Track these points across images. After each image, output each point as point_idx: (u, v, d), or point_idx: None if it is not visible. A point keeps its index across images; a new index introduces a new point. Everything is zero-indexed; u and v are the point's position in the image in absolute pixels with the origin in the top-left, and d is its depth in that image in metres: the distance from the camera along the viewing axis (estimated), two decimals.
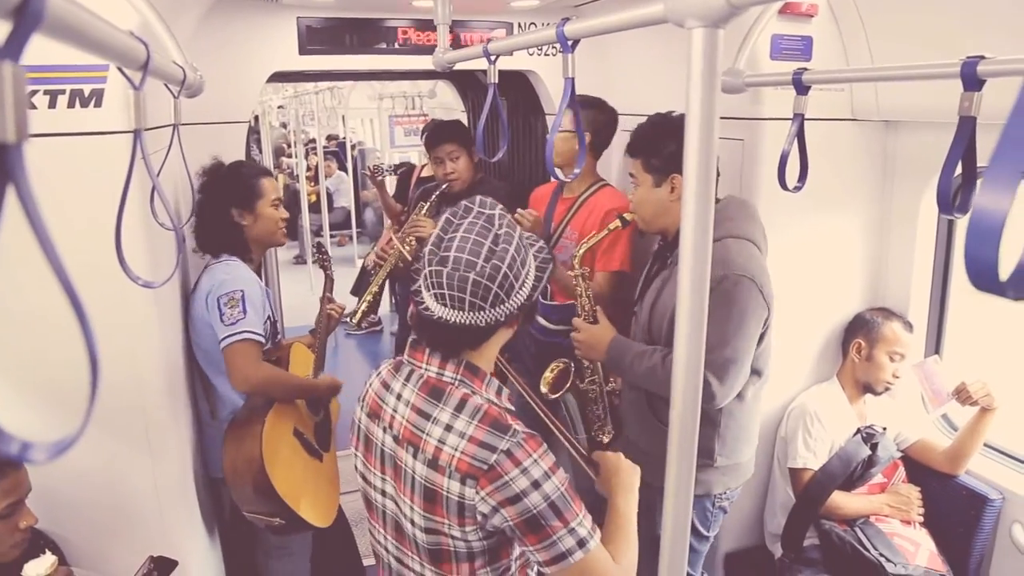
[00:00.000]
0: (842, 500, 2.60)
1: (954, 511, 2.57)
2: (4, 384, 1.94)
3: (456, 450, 1.36)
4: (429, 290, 1.41)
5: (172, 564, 1.93)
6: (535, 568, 1.55)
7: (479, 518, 1.36)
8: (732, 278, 2.08)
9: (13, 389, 1.94)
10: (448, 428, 1.38)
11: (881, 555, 2.47)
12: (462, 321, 1.39)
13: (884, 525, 2.58)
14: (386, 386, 1.53)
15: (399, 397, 1.48)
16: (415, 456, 1.41)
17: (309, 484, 2.50)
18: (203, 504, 2.51)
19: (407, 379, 1.49)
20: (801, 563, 2.64)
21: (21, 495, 1.80)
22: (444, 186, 3.48)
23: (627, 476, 1.63)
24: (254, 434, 2.33)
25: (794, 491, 2.70)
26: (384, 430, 1.50)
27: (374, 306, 3.49)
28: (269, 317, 2.54)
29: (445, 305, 1.39)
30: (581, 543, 1.35)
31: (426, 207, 3.45)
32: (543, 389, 2.50)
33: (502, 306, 1.39)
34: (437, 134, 3.56)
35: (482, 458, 1.33)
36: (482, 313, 1.38)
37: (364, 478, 1.58)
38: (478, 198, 1.48)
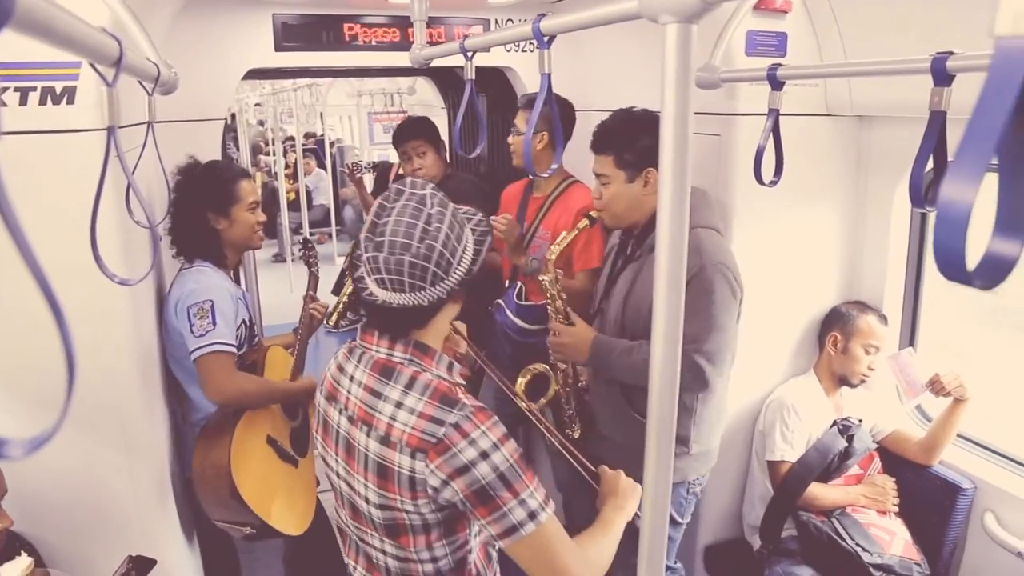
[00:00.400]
0: (819, 492, 2.63)
1: (928, 500, 2.61)
2: None
3: (407, 425, 1.38)
4: (370, 276, 1.43)
5: (151, 563, 1.92)
6: (496, 546, 1.55)
7: (430, 491, 1.38)
8: (709, 267, 2.15)
9: None
10: (399, 405, 1.41)
11: (858, 545, 2.50)
12: (404, 303, 1.41)
13: (860, 516, 2.61)
14: (341, 369, 1.56)
15: (352, 379, 1.52)
16: (368, 434, 1.44)
17: (281, 492, 2.48)
18: (180, 504, 2.49)
19: (359, 361, 1.52)
20: (779, 554, 2.67)
21: None
22: None
23: (624, 496, 1.66)
24: (223, 443, 2.30)
25: (772, 483, 2.73)
26: (340, 412, 1.53)
27: (350, 307, 3.47)
28: (244, 321, 2.51)
29: (386, 289, 1.41)
30: (532, 515, 1.36)
31: None
32: (519, 398, 2.45)
33: (441, 284, 1.42)
34: (403, 131, 3.57)
35: (431, 432, 1.36)
36: (422, 293, 1.41)
37: (324, 460, 1.63)
38: (408, 180, 1.49)
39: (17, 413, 1.92)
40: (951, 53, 1.36)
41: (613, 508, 1.62)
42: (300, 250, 3.19)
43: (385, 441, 1.41)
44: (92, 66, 1.02)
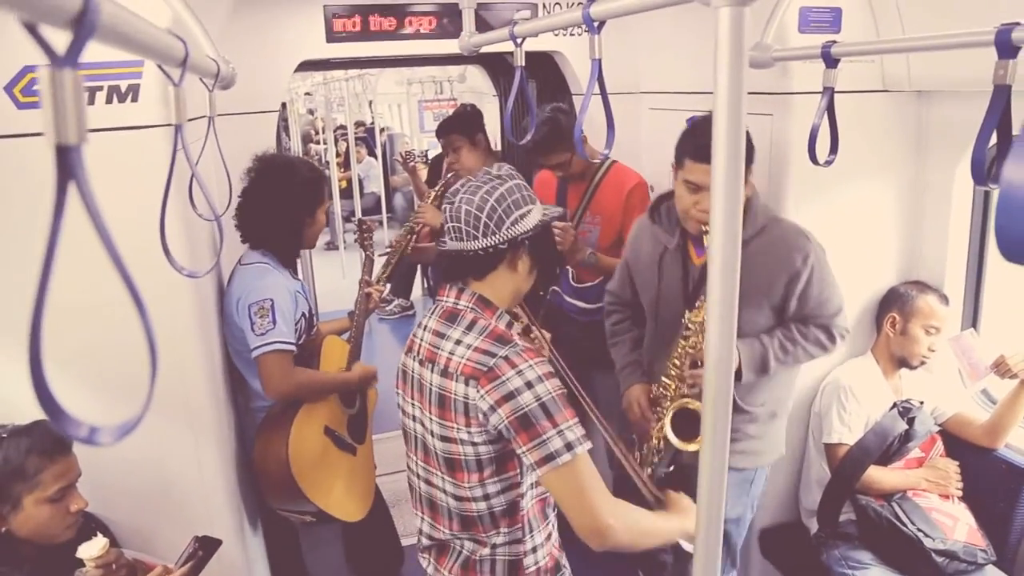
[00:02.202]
0: (879, 475, 2.59)
1: (994, 485, 2.55)
2: (62, 373, 2.00)
3: (463, 358, 1.57)
4: (445, 227, 1.67)
5: (216, 543, 1.99)
6: (553, 505, 1.71)
7: (480, 417, 1.54)
8: (816, 246, 2.28)
9: (68, 378, 2.00)
10: (458, 342, 1.61)
11: (919, 530, 2.46)
12: (460, 248, 1.64)
13: (922, 500, 2.56)
14: (420, 324, 1.77)
15: (425, 328, 1.73)
16: (432, 370, 1.64)
17: (340, 480, 2.55)
18: (244, 488, 2.57)
19: (432, 313, 1.74)
20: (837, 538, 2.64)
21: (72, 479, 1.86)
22: (450, 175, 3.49)
23: (688, 514, 1.69)
24: (281, 437, 2.38)
25: (829, 466, 2.70)
26: (414, 359, 1.72)
27: (409, 285, 3.51)
28: (304, 314, 2.57)
29: (451, 237, 1.66)
30: (568, 446, 1.48)
31: (433, 195, 3.48)
32: (673, 439, 2.31)
33: (492, 236, 1.62)
34: (443, 126, 3.58)
35: (483, 362, 1.54)
36: (476, 241, 1.62)
37: (402, 410, 1.80)
38: (496, 165, 1.73)
39: (88, 400, 2.00)
40: (1017, 24, 1.32)
41: (675, 517, 1.69)
42: (355, 232, 3.22)
43: (444, 373, 1.59)
44: (159, 67, 1.06)
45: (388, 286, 3.45)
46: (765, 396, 2.41)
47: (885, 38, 2.45)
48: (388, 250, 3.43)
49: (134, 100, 1.90)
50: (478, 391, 1.52)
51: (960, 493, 2.60)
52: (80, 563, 1.72)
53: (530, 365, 1.52)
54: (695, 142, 2.21)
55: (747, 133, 2.13)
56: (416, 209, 3.44)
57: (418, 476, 1.78)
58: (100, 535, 1.79)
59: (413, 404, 1.73)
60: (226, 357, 2.53)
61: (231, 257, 2.57)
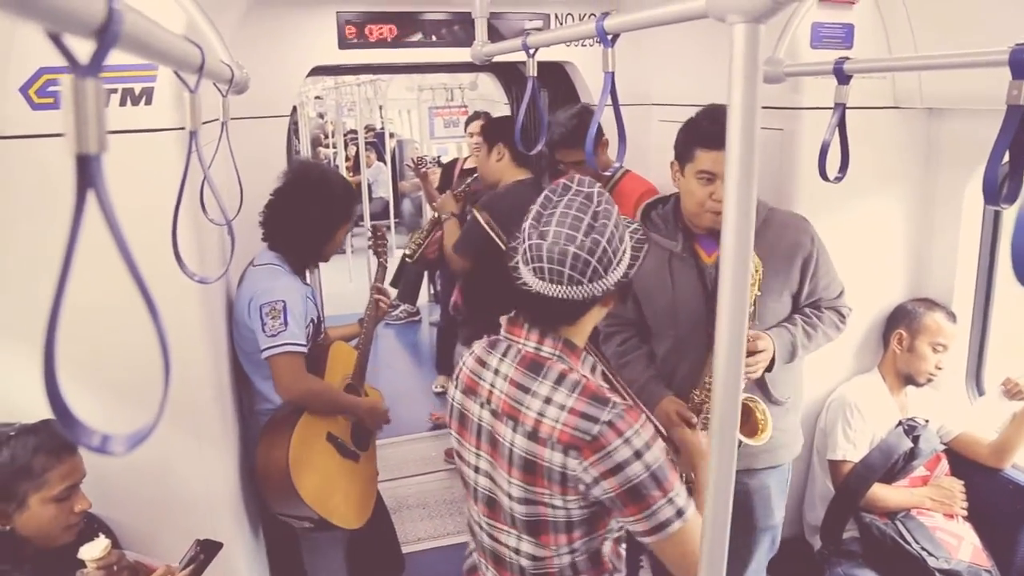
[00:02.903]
0: (883, 493, 2.58)
1: (1000, 505, 2.54)
2: (70, 377, 2.00)
3: (557, 422, 1.38)
4: (528, 264, 1.43)
5: (218, 546, 1.99)
6: (623, 544, 1.60)
7: (582, 488, 1.39)
8: (815, 233, 2.28)
9: (75, 382, 2.01)
10: (548, 401, 1.41)
11: (923, 549, 2.45)
12: (560, 295, 1.41)
13: (926, 519, 2.55)
14: (481, 363, 1.56)
15: (496, 372, 1.51)
16: (514, 429, 1.44)
17: (340, 487, 2.54)
18: (247, 492, 2.57)
19: (504, 354, 1.52)
20: (841, 556, 2.63)
21: (77, 480, 1.87)
22: (476, 176, 3.52)
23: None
24: (283, 442, 2.37)
25: (833, 483, 2.69)
26: (481, 405, 1.53)
27: (427, 248, 3.54)
28: (312, 320, 2.57)
29: (543, 279, 1.41)
30: (679, 513, 1.37)
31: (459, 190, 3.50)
32: (744, 437, 2.20)
33: (600, 281, 1.41)
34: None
35: (584, 429, 1.36)
36: (580, 288, 1.40)
37: (459, 456, 1.62)
38: (576, 177, 1.49)
39: (93, 403, 2.00)
40: None
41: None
42: (369, 239, 3.23)
43: (533, 437, 1.41)
44: (176, 73, 1.07)
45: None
46: (789, 388, 2.38)
47: (897, 55, 2.45)
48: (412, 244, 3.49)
49: (148, 103, 1.91)
50: (580, 463, 1.36)
51: (965, 512, 2.59)
52: (82, 564, 1.72)
53: (636, 431, 1.37)
54: (706, 129, 2.13)
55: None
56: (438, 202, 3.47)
57: (480, 527, 1.62)
58: (102, 536, 1.79)
59: (479, 455, 1.54)
60: (232, 360, 2.53)
61: (239, 262, 2.58)
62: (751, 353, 2.12)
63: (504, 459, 1.46)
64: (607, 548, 1.57)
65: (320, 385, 2.49)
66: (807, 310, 2.32)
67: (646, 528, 1.37)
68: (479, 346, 1.61)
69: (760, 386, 2.27)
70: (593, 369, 1.53)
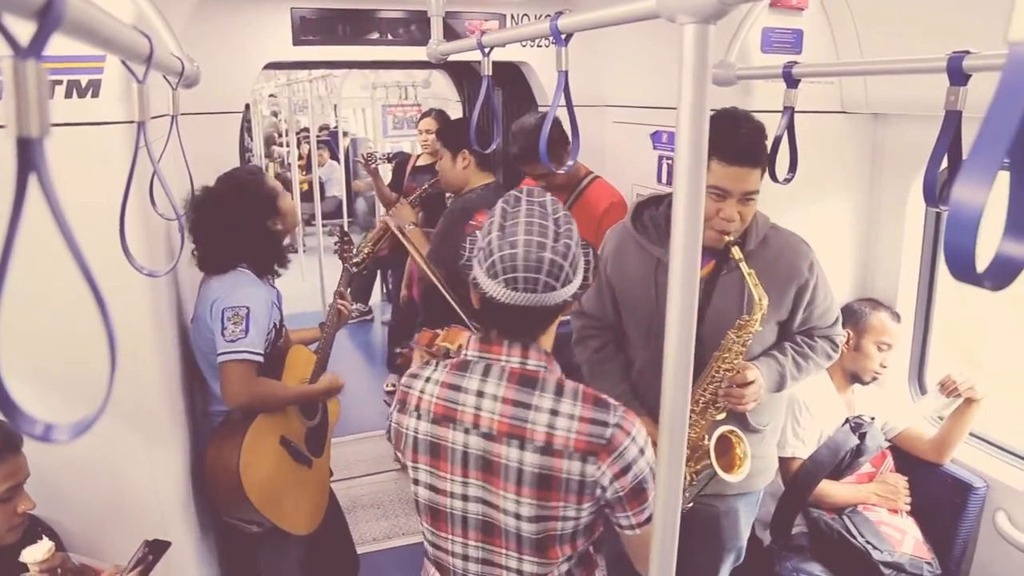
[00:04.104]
0: (830, 489, 2.64)
1: (940, 499, 2.61)
2: (18, 373, 1.95)
3: (570, 432, 1.39)
4: (497, 277, 1.41)
5: (165, 545, 1.95)
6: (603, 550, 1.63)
7: (598, 492, 1.41)
8: (815, 257, 2.17)
9: (21, 376, 1.96)
10: (554, 412, 1.41)
11: (868, 543, 2.50)
12: (533, 303, 1.40)
13: (871, 513, 2.61)
14: (454, 387, 1.49)
15: (481, 394, 1.46)
16: (522, 447, 1.41)
17: (291, 492, 2.51)
18: (198, 495, 2.53)
19: (485, 375, 1.47)
20: (789, 550, 2.67)
21: (20, 480, 1.82)
22: (434, 180, 3.51)
23: None
24: (233, 445, 2.33)
25: (783, 480, 2.73)
26: (466, 431, 1.46)
27: (375, 252, 3.51)
28: (275, 324, 2.52)
29: (517, 288, 1.39)
30: None
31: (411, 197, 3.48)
32: (720, 471, 2.07)
33: (568, 286, 1.42)
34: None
35: (598, 434, 1.39)
36: (553, 293, 1.41)
37: (432, 488, 1.53)
38: (525, 188, 1.51)
39: (39, 398, 1.95)
40: (967, 52, 1.37)
41: None
42: (336, 243, 3.16)
43: (547, 451, 1.39)
44: (123, 63, 1.05)
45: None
46: (768, 415, 2.30)
47: (844, 61, 2.51)
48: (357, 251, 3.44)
49: (94, 96, 1.86)
50: (599, 467, 1.39)
51: (908, 508, 2.66)
52: (24, 567, 1.68)
53: (638, 429, 1.43)
54: (724, 140, 1.88)
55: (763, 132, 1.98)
56: (392, 211, 3.43)
57: (466, 557, 1.55)
58: (45, 538, 1.75)
59: (467, 483, 1.48)
60: (184, 359, 2.48)
61: (189, 258, 2.53)
62: (740, 385, 2.07)
63: (510, 480, 1.43)
64: (592, 550, 1.60)
65: (266, 388, 2.42)
66: (799, 339, 2.23)
67: (640, 520, 1.44)
68: (439, 371, 1.53)
69: (739, 414, 2.18)
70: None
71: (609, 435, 1.39)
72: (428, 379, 1.53)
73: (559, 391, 1.43)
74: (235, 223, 2.40)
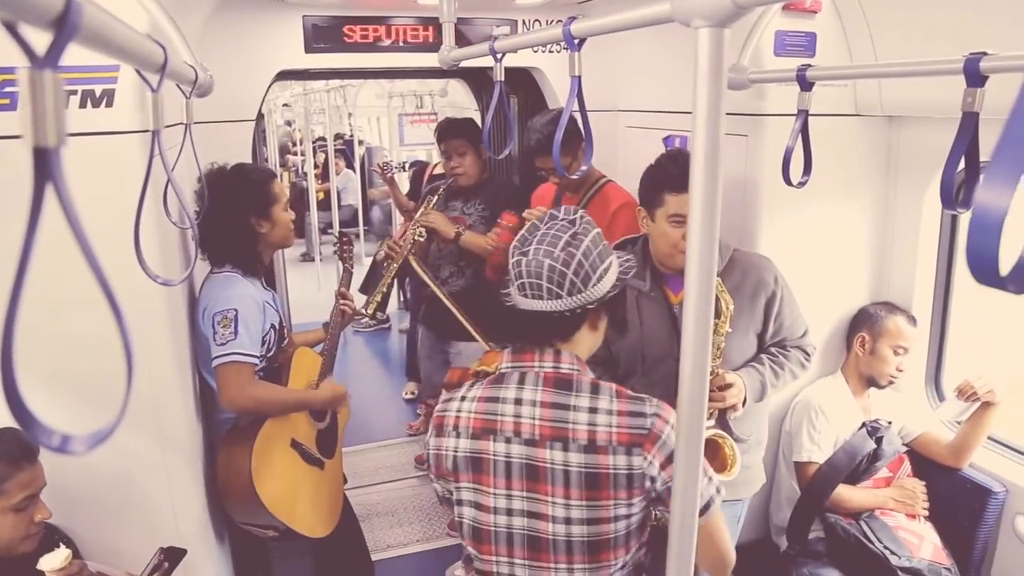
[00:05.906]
0: (847, 494, 2.62)
1: (958, 504, 2.59)
2: (34, 382, 1.96)
3: (611, 427, 1.42)
4: (514, 282, 1.50)
5: (181, 553, 1.96)
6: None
7: (647, 484, 1.42)
8: (779, 273, 2.31)
9: (38, 386, 1.97)
10: (593, 411, 1.44)
11: (886, 548, 2.48)
12: (541, 308, 1.46)
13: (889, 519, 2.59)
14: (492, 399, 1.51)
15: (519, 402, 1.48)
16: (566, 448, 1.43)
17: (305, 495, 2.50)
18: (212, 501, 2.53)
19: (521, 382, 1.50)
20: (806, 556, 2.65)
21: (36, 489, 1.83)
22: (450, 180, 3.50)
23: None
24: (244, 450, 2.32)
25: (799, 485, 2.72)
26: (508, 440, 1.47)
27: (387, 298, 3.50)
28: (273, 325, 2.51)
29: (526, 295, 1.48)
30: (718, 490, 1.47)
31: (434, 201, 3.46)
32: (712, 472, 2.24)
33: (579, 295, 1.46)
34: (448, 129, 3.58)
35: (639, 425, 1.42)
36: (559, 301, 1.45)
37: (476, 505, 1.52)
38: (563, 207, 1.55)
39: (56, 407, 1.96)
40: (984, 54, 1.35)
41: None
42: (335, 245, 3.19)
43: (591, 448, 1.42)
44: (138, 72, 1.05)
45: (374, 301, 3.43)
46: (751, 426, 2.39)
47: (858, 63, 2.50)
48: (383, 262, 3.45)
49: (108, 105, 1.87)
50: (645, 458, 1.40)
51: (927, 513, 2.63)
52: (41, 575, 1.69)
53: (675, 417, 1.36)
54: (673, 174, 2.15)
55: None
56: (422, 214, 3.42)
57: (512, 568, 1.52)
58: (63, 546, 1.76)
59: (510, 495, 1.48)
60: (196, 369, 2.49)
61: (203, 267, 2.54)
62: (721, 388, 2.16)
63: (557, 483, 1.44)
64: (640, 554, 1.58)
65: (264, 391, 2.41)
66: (773, 350, 2.36)
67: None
68: (475, 389, 1.55)
69: (721, 423, 2.25)
70: None
71: (650, 424, 1.41)
72: (463, 398, 1.56)
73: (595, 390, 1.46)
74: (222, 211, 2.38)
